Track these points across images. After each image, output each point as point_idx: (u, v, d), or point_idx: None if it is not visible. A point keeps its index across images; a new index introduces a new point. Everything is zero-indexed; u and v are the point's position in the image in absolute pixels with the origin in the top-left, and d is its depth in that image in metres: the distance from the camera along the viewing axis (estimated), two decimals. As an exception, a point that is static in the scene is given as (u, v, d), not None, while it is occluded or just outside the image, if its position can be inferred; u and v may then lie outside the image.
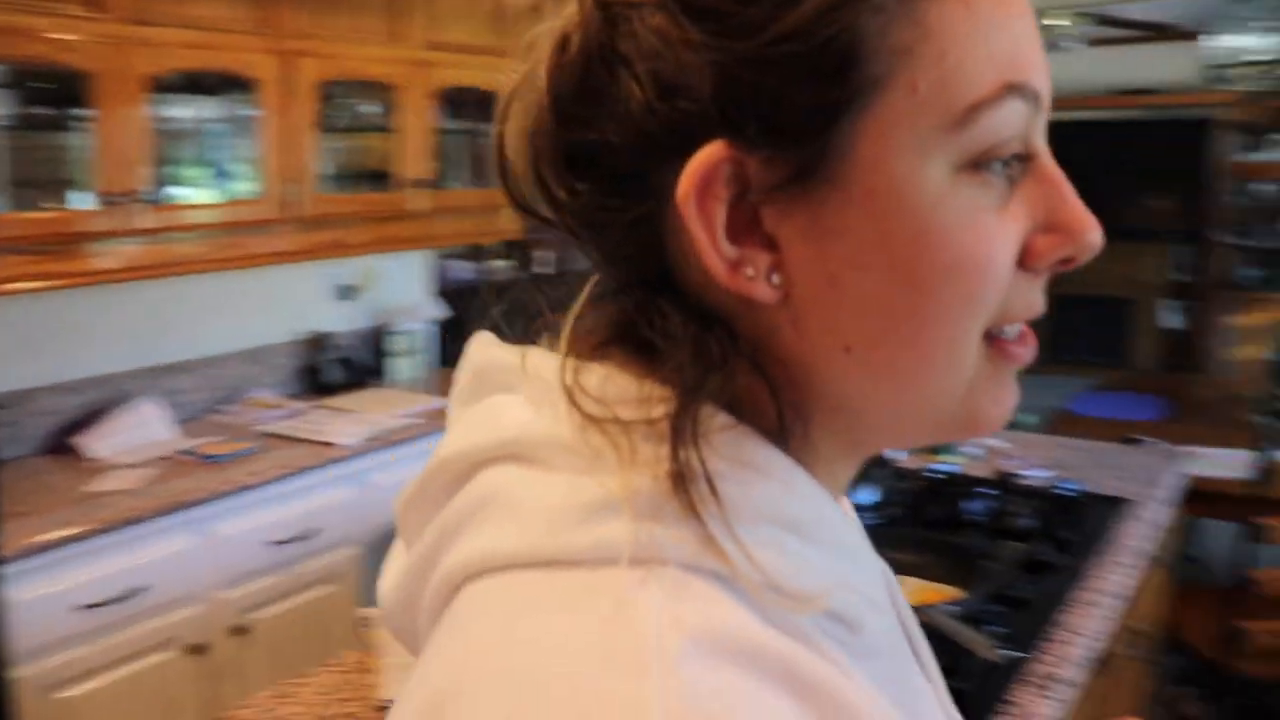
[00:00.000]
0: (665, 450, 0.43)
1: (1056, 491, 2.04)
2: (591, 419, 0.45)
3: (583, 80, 0.47)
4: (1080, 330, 8.38)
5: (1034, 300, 0.49)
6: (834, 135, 0.44)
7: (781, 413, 0.47)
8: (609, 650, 0.39)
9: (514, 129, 0.50)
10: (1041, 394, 5.30)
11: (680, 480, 0.43)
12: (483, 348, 0.53)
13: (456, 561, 0.47)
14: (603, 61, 0.46)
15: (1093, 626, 1.62)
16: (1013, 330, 0.49)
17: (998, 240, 0.46)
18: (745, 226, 0.46)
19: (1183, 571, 3.93)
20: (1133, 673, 2.09)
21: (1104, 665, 1.69)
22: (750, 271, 0.46)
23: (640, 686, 0.38)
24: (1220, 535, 3.86)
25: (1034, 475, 2.15)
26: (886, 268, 0.45)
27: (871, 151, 0.44)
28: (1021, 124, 0.46)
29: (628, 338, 0.49)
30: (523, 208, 0.52)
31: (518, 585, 0.44)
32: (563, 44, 0.47)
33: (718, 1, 0.43)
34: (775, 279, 0.46)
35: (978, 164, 0.45)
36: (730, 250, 0.45)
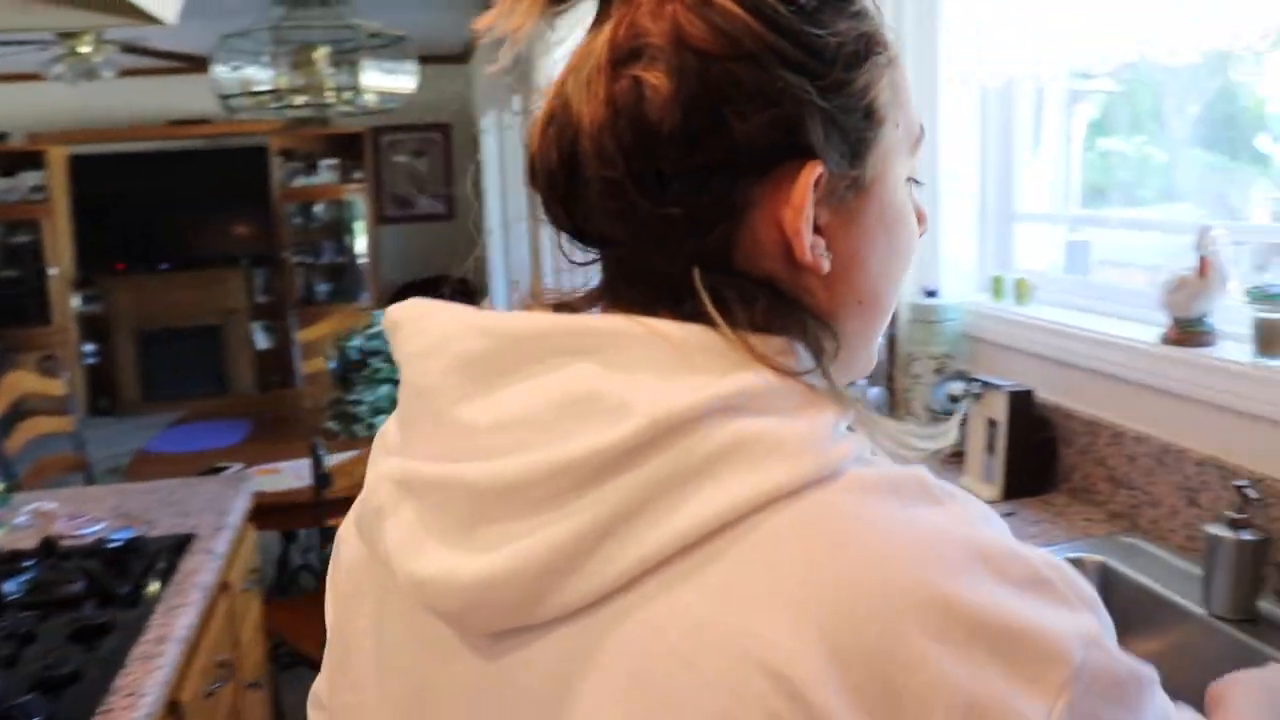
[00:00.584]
0: (820, 386, 0.58)
1: (108, 545, 1.95)
2: (790, 373, 0.58)
3: (685, 120, 0.57)
4: (177, 364, 8.35)
5: None
6: (867, 155, 0.62)
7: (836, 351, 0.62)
8: (908, 497, 0.55)
9: (546, 156, 0.62)
10: (135, 437, 5.10)
11: (835, 395, 0.58)
12: (510, 315, 0.59)
13: (712, 509, 0.52)
14: (708, 108, 0.57)
15: (157, 679, 1.59)
16: None
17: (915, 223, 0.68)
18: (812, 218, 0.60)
19: (301, 584, 4.16)
20: (237, 700, 2.12)
21: (176, 710, 1.68)
22: (818, 250, 0.60)
23: (943, 505, 0.56)
24: (313, 542, 4.15)
25: (86, 533, 2.04)
26: (886, 244, 0.64)
27: (881, 168, 0.63)
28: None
29: (675, 306, 0.59)
30: (573, 231, 0.64)
31: (825, 499, 0.54)
32: (637, 88, 0.58)
33: (801, 60, 0.58)
34: (825, 257, 0.61)
35: (912, 174, 0.67)
36: (812, 237, 0.60)
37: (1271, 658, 1.44)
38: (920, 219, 0.68)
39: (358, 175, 8.25)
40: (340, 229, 8.39)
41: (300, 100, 3.54)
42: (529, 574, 0.53)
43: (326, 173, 8.21)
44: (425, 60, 8.39)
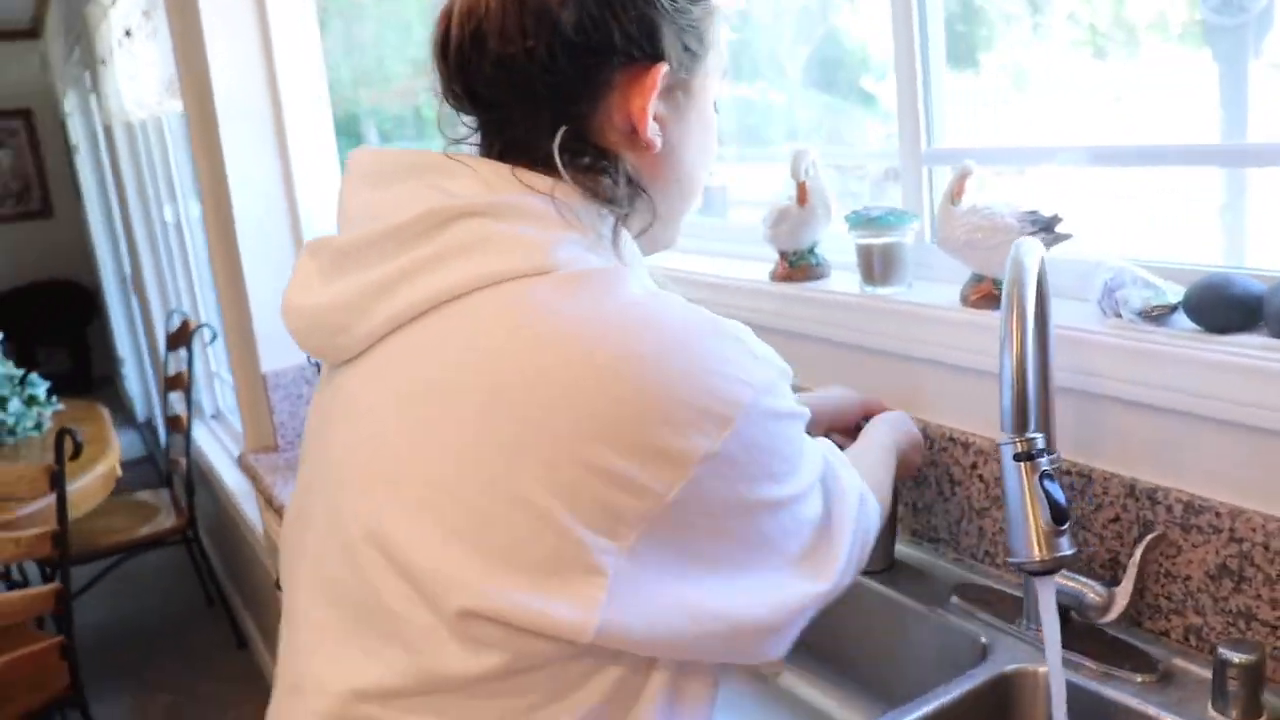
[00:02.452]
0: (608, 223, 0.81)
1: None
2: (563, 203, 0.79)
3: (580, 12, 0.78)
4: None
5: None
6: (699, 68, 0.86)
7: (652, 219, 0.86)
8: (627, 286, 0.77)
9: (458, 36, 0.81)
10: None
11: (616, 234, 0.81)
12: (411, 155, 0.82)
13: (455, 279, 0.76)
14: (598, 5, 0.78)
15: None
16: None
17: None
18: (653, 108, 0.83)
19: None
20: None
21: None
22: (653, 131, 0.83)
23: (657, 291, 0.79)
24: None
25: None
26: (700, 142, 0.89)
27: (704, 83, 0.87)
28: None
29: (556, 170, 0.80)
30: (459, 100, 0.84)
31: (547, 280, 0.75)
32: None
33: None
34: (659, 139, 0.83)
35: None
36: (650, 120, 0.82)
37: (908, 607, 1.35)
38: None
39: (-79, 174, 7.08)
40: (-91, 238, 7.19)
41: None
42: (343, 305, 0.80)
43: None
44: (-11, 36, 7.42)
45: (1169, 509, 1.14)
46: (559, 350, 0.72)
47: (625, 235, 0.83)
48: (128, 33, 3.66)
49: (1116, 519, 1.20)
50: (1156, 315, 1.18)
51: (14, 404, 3.31)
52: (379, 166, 0.84)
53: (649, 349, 0.72)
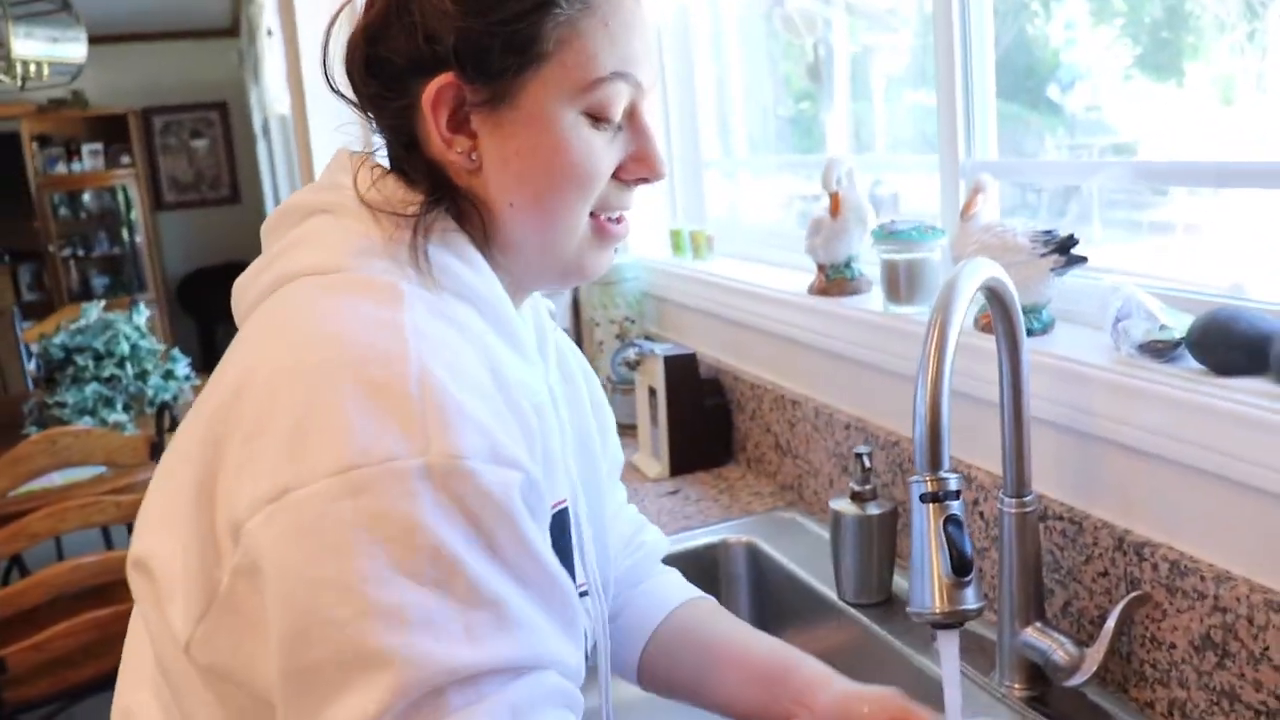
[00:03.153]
0: (409, 230, 0.76)
1: None
2: (377, 205, 0.77)
3: (383, 15, 0.77)
4: None
5: (625, 199, 0.84)
6: (514, 81, 0.76)
7: (485, 235, 0.80)
8: (377, 300, 0.71)
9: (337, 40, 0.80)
10: None
11: (414, 244, 0.76)
12: (341, 153, 0.83)
13: (284, 269, 0.76)
14: (398, 8, 0.76)
15: None
16: (614, 216, 0.84)
17: (597, 159, 0.79)
18: (461, 122, 0.77)
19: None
20: None
21: None
22: (458, 149, 0.78)
23: (398, 313, 0.70)
24: None
25: None
26: (534, 161, 0.77)
27: (534, 94, 0.76)
28: (626, 95, 0.79)
29: (398, 172, 0.80)
30: (332, 89, 0.82)
31: (313, 283, 0.74)
32: None
33: None
34: (474, 156, 0.78)
35: (594, 115, 0.78)
36: (446, 134, 0.77)
37: (889, 644, 1.27)
38: (640, 163, 0.82)
39: (127, 160, 7.64)
40: (113, 218, 7.78)
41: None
42: (241, 282, 0.81)
43: (91, 159, 7.58)
44: (193, 35, 7.95)
45: (1155, 567, 1.03)
46: (267, 354, 0.70)
47: (443, 249, 0.77)
48: (269, 32, 3.85)
49: (1105, 573, 1.09)
50: (1160, 350, 1.06)
51: (154, 378, 3.53)
52: (337, 154, 0.85)
53: (289, 370, 0.67)
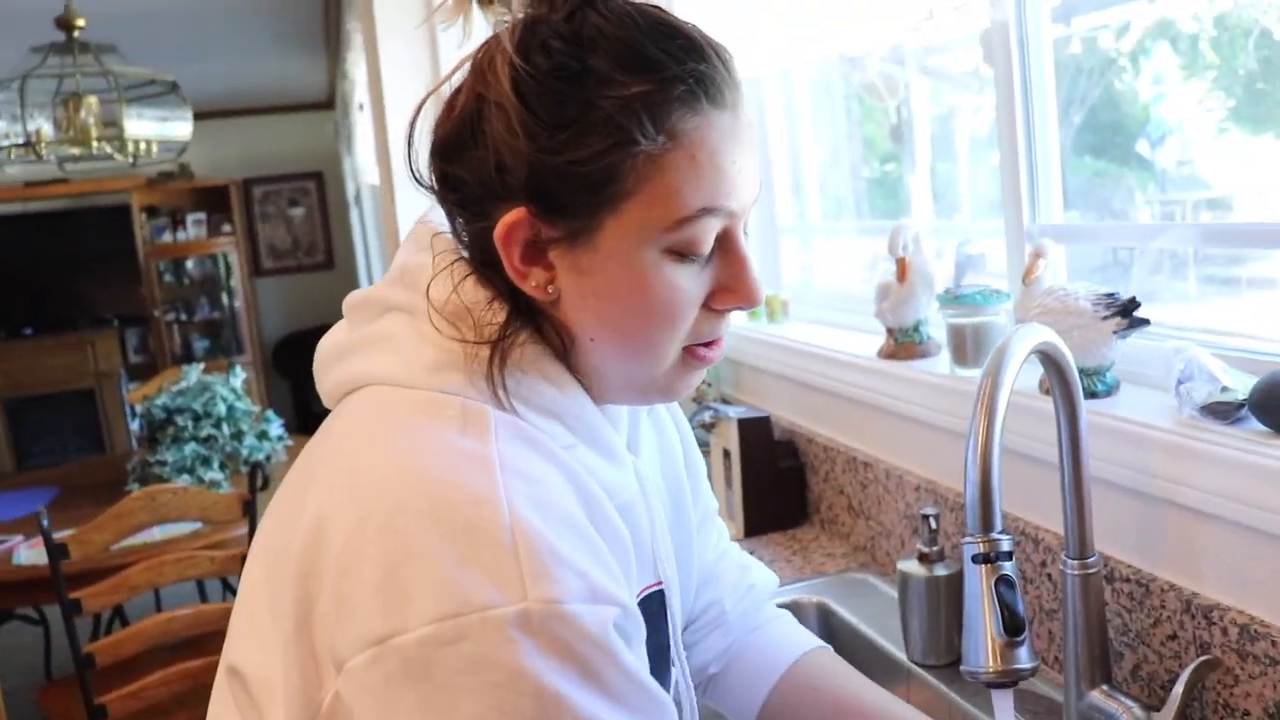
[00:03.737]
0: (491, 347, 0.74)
1: None
2: (465, 311, 0.75)
3: (457, 134, 0.74)
4: (51, 431, 8.04)
5: (719, 328, 0.79)
6: (593, 220, 0.71)
7: (567, 354, 0.77)
8: (462, 428, 0.70)
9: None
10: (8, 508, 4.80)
11: (492, 362, 0.73)
12: (424, 228, 0.81)
13: (359, 369, 0.78)
14: (471, 129, 0.73)
15: None
16: (702, 346, 0.78)
17: (683, 296, 0.74)
18: (537, 253, 0.74)
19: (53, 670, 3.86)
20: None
21: None
22: (533, 281, 0.74)
23: (483, 444, 0.69)
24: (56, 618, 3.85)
25: None
26: (615, 300, 0.73)
27: (613, 234, 0.71)
28: (714, 229, 0.73)
29: (480, 274, 0.77)
30: (417, 182, 0.79)
31: (393, 397, 0.74)
32: (451, 103, 0.76)
33: (539, 129, 0.70)
34: (550, 289, 0.75)
35: (680, 252, 0.73)
36: (520, 267, 0.74)
37: (956, 704, 1.27)
38: (733, 293, 0.76)
39: (227, 229, 7.97)
40: (214, 284, 8.11)
41: (73, 150, 3.32)
42: (322, 357, 0.83)
43: (194, 228, 7.93)
44: (292, 109, 8.31)
45: (1224, 631, 1.02)
46: (356, 483, 0.70)
47: (524, 367, 0.75)
48: (361, 107, 4.03)
49: (1174, 636, 1.09)
50: (1222, 412, 1.07)
51: (249, 438, 3.66)
52: (420, 225, 0.83)
53: (382, 511, 0.66)
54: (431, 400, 0.72)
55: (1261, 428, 1.03)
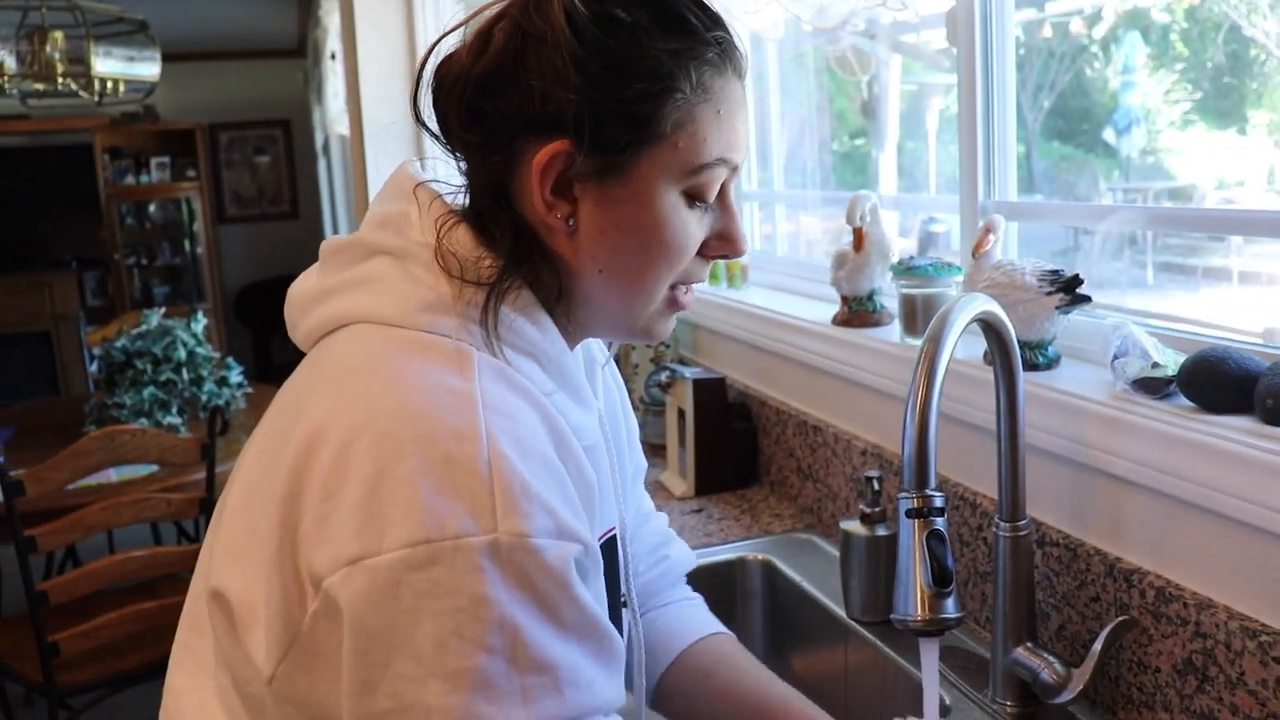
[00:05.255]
0: (484, 292, 0.78)
1: None
2: (453, 257, 0.78)
3: (498, 69, 0.77)
4: (10, 371, 7.93)
5: (703, 273, 0.86)
6: (626, 156, 0.77)
7: (559, 292, 0.82)
8: (446, 365, 0.74)
9: (428, 79, 0.80)
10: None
11: (486, 309, 0.77)
12: (405, 177, 0.84)
13: (344, 308, 0.81)
14: (515, 65, 0.76)
15: None
16: (684, 289, 0.86)
17: (691, 236, 0.82)
18: (564, 186, 0.78)
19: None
20: None
21: None
22: (558, 213, 0.79)
23: (468, 382, 0.73)
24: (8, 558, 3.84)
25: None
26: (633, 234, 0.80)
27: (643, 171, 0.78)
28: (721, 179, 0.81)
29: (473, 222, 0.81)
30: (423, 126, 0.81)
31: (382, 334, 0.77)
32: (485, 39, 0.78)
33: (592, 67, 0.75)
34: (570, 221, 0.79)
35: (694, 195, 0.80)
36: (550, 198, 0.78)
37: (889, 658, 1.32)
38: (725, 241, 0.84)
39: (192, 174, 7.88)
40: (176, 229, 8.02)
41: (37, 85, 3.27)
42: (298, 302, 0.86)
43: (158, 171, 7.83)
44: (260, 55, 8.20)
45: (1142, 594, 1.08)
46: (341, 412, 0.73)
47: (512, 309, 0.79)
48: (332, 55, 4.00)
49: (1097, 598, 1.14)
50: (1153, 386, 1.12)
51: (209, 384, 3.66)
52: (399, 175, 0.85)
53: (369, 435, 0.69)
54: (421, 339, 0.76)
55: (1188, 403, 1.08)
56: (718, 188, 0.82)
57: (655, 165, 0.78)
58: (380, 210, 0.84)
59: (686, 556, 1.19)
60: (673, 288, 0.85)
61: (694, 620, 1.14)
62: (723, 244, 0.85)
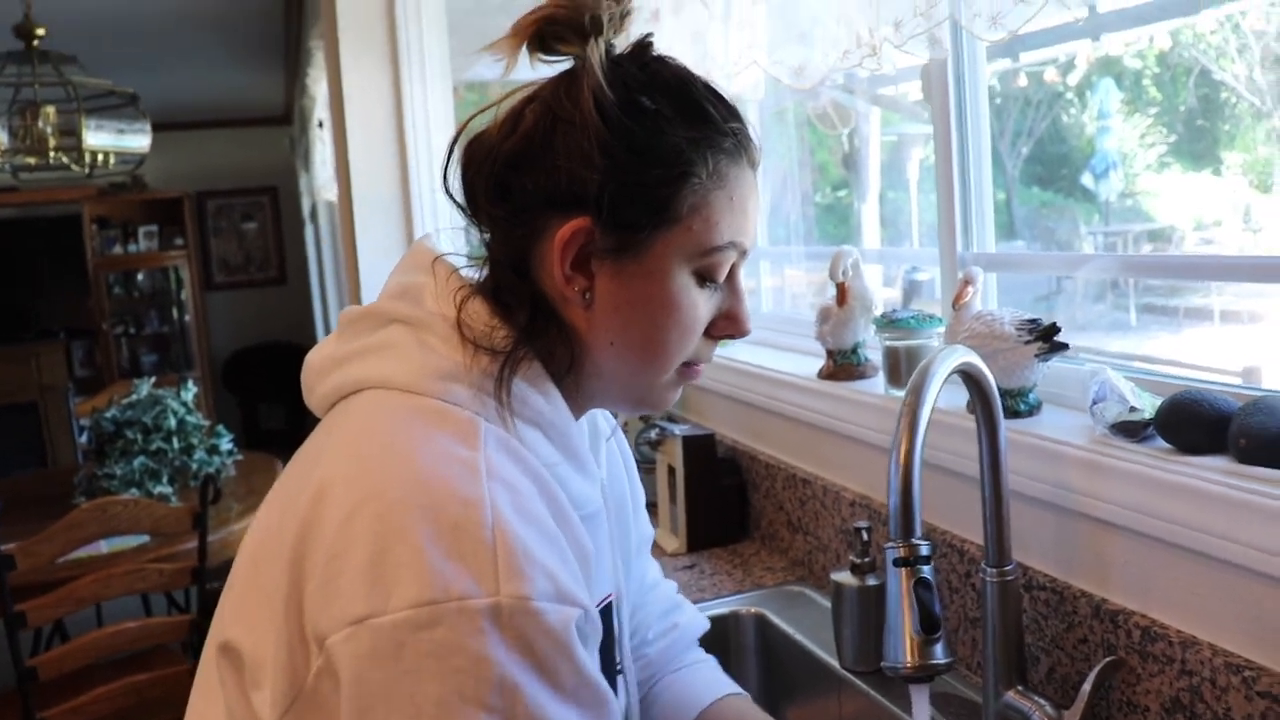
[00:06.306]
0: (498, 363, 0.81)
1: None
2: (467, 328, 0.81)
3: (526, 148, 0.82)
4: (-3, 441, 7.90)
5: (710, 353, 0.89)
6: (644, 236, 0.81)
7: (571, 363, 0.85)
8: (455, 435, 0.77)
9: (456, 156, 0.86)
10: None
11: (500, 380, 0.80)
12: (423, 251, 0.88)
13: (359, 374, 0.84)
14: (543, 145, 0.81)
15: None
16: (693, 364, 0.89)
17: (700, 314, 0.85)
18: (582, 261, 0.82)
19: None
20: None
21: None
22: (576, 286, 0.83)
23: (474, 452, 0.75)
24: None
25: None
26: (645, 308, 0.83)
27: (659, 251, 0.81)
28: (730, 261, 0.85)
29: (489, 295, 0.84)
30: (451, 198, 0.87)
31: (395, 400, 0.80)
32: (516, 119, 0.83)
33: (617, 150, 0.79)
34: (587, 295, 0.83)
35: (704, 276, 0.84)
36: (569, 271, 0.82)
37: (894, 712, 1.33)
38: (731, 322, 0.88)
39: (179, 242, 7.93)
40: (164, 297, 8.04)
41: (29, 160, 3.31)
42: (314, 368, 0.89)
43: (146, 240, 7.88)
44: (247, 123, 8.29)
45: (1129, 634, 1.10)
46: (351, 476, 0.75)
47: (522, 380, 0.82)
48: (320, 124, 4.06)
49: (1085, 640, 1.16)
50: (1131, 430, 1.14)
51: (199, 453, 3.66)
52: (418, 249, 0.90)
53: (380, 501, 0.72)
54: (432, 407, 0.79)
55: (1166, 445, 1.11)
56: (727, 269, 0.85)
57: (670, 245, 0.82)
58: (399, 281, 0.87)
59: (697, 621, 1.21)
60: (684, 366, 0.88)
61: (708, 683, 1.15)
62: (729, 323, 0.88)
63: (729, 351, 2.12)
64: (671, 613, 1.18)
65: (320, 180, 5.08)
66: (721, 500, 1.92)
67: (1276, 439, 1.00)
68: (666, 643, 1.16)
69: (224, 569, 0.90)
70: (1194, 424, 1.08)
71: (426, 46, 2.30)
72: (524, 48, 0.83)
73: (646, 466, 2.14)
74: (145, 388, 3.77)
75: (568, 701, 0.72)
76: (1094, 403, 1.19)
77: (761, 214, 2.36)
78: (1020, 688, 1.15)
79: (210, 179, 8.37)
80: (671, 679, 1.14)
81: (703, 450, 1.89)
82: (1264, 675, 0.96)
